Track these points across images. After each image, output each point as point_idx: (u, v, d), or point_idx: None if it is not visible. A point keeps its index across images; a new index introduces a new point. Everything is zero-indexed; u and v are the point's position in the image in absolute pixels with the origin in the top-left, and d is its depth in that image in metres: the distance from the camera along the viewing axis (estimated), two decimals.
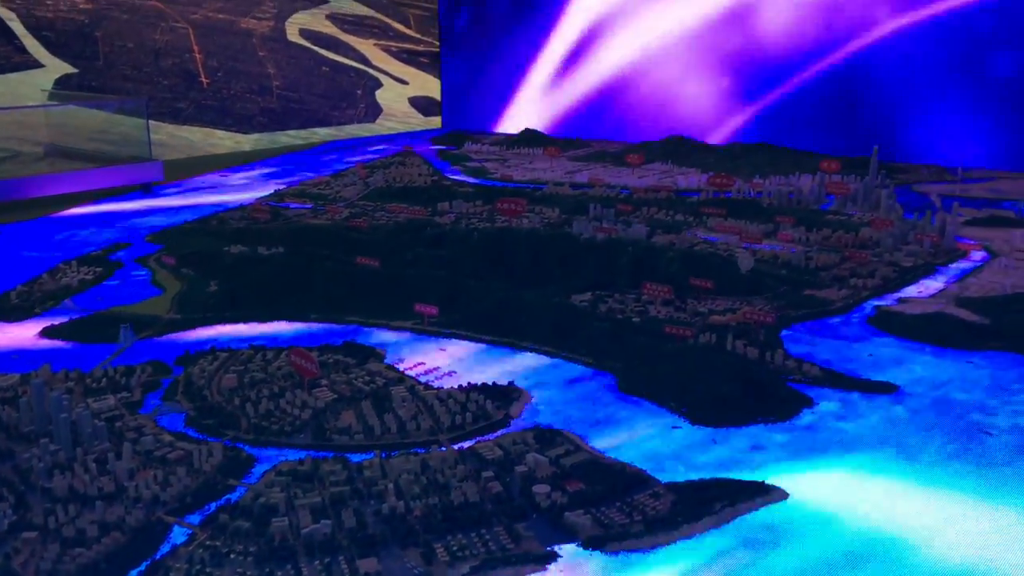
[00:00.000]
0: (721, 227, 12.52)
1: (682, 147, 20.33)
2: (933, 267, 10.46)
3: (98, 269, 10.72)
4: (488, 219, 13.20)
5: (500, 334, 8.45)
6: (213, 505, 5.42)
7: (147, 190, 16.03)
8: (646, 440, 6.26)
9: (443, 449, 6.11)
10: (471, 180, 17.39)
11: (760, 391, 6.94)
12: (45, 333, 8.55)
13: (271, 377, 7.29)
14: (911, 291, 9.65)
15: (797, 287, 9.81)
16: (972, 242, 11.47)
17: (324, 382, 7.17)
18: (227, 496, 5.52)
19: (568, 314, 8.74)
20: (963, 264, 10.66)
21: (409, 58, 25.88)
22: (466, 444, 6.19)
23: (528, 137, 22.79)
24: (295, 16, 23.38)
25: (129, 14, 19.81)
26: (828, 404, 6.82)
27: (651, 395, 7.01)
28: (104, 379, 7.30)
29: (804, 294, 9.56)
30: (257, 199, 15.22)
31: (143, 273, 10.65)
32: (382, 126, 25.27)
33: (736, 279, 9.91)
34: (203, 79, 20.99)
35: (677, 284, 9.52)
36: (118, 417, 6.62)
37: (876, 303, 9.21)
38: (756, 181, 15.96)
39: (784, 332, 8.41)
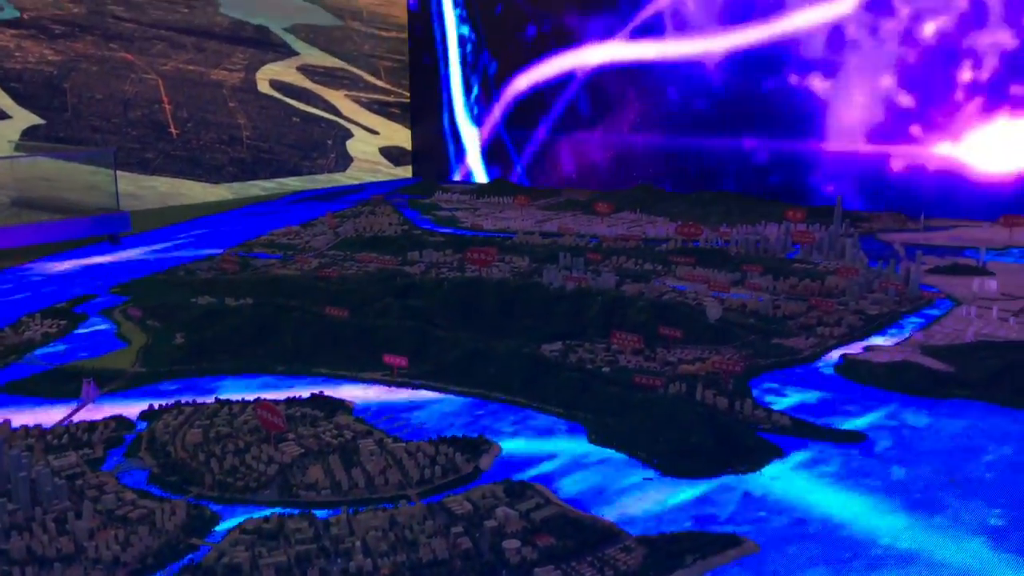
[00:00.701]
0: (689, 276, 12.62)
1: (650, 196, 20.55)
2: (899, 315, 10.59)
3: (62, 322, 10.56)
4: (458, 268, 13.23)
5: (470, 385, 8.42)
6: (176, 566, 5.29)
7: (114, 241, 15.91)
8: (617, 492, 6.22)
9: (412, 504, 6.03)
10: (441, 229, 17.43)
11: (730, 441, 6.94)
12: (6, 388, 8.39)
13: (237, 432, 7.18)
14: (878, 339, 9.75)
15: (765, 336, 9.88)
16: (936, 290, 11.63)
17: (291, 436, 7.08)
18: (190, 556, 5.40)
19: (538, 364, 8.72)
20: (928, 312, 10.79)
21: (380, 109, 26.05)
22: (435, 498, 6.12)
23: (498, 186, 22.94)
24: (265, 67, 23.50)
25: (98, 65, 19.81)
26: (797, 454, 6.83)
27: (622, 446, 6.99)
28: (65, 435, 7.16)
29: (772, 343, 9.63)
30: (226, 249, 15.15)
31: (108, 326, 10.52)
32: (353, 176, 25.33)
33: (705, 328, 9.97)
34: (172, 130, 20.97)
35: (647, 333, 9.56)
36: (79, 475, 6.48)
37: (843, 351, 9.28)
38: (723, 230, 16.14)
39: (753, 381, 8.44)
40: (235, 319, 10.07)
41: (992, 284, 11.62)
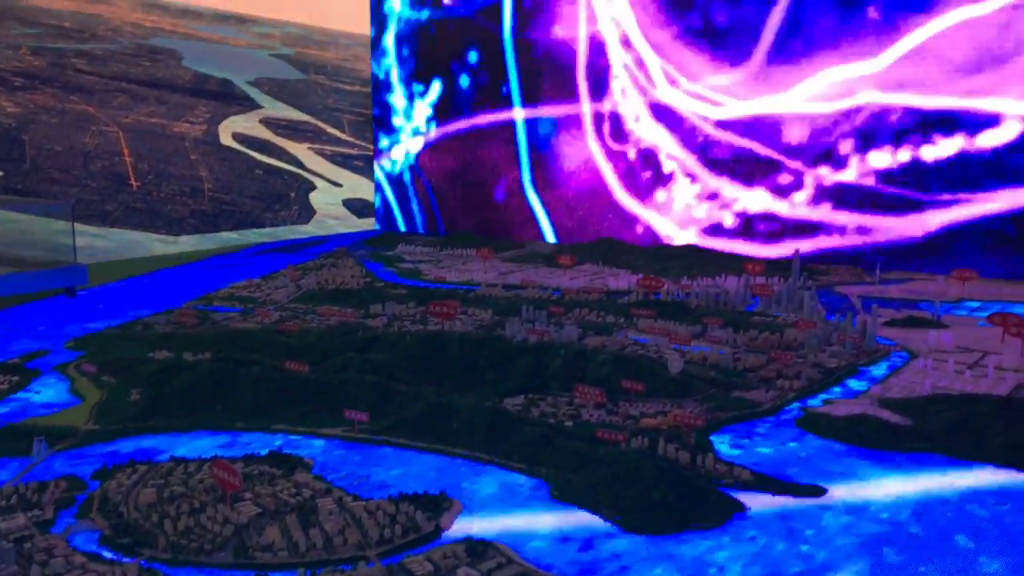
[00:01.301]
0: (651, 328, 12.69)
1: (612, 248, 20.71)
2: (856, 368, 10.71)
3: (14, 378, 10.34)
4: (421, 321, 13.20)
5: (432, 440, 8.34)
6: None
7: (70, 294, 15.66)
8: (580, 549, 6.17)
9: (371, 565, 5.92)
10: (404, 281, 17.40)
11: (692, 497, 6.93)
12: None
13: (192, 491, 7.03)
14: (836, 392, 9.85)
15: (726, 389, 9.93)
16: (892, 343, 11.80)
17: (247, 495, 6.95)
18: None
19: (501, 419, 8.67)
20: (885, 365, 10.93)
21: (344, 161, 26.17)
22: (395, 559, 6.02)
23: (462, 238, 23.00)
24: (228, 120, 23.57)
25: (58, 117, 19.74)
26: (758, 510, 6.83)
27: (584, 502, 6.94)
28: (15, 496, 6.96)
29: (733, 396, 9.68)
30: (185, 303, 14.98)
31: (62, 382, 10.30)
32: (316, 228, 25.30)
33: (666, 381, 10.00)
34: (133, 182, 20.87)
35: (609, 386, 9.56)
36: (28, 538, 6.29)
37: (803, 404, 9.35)
38: (684, 282, 16.30)
39: (714, 435, 8.46)
40: (193, 374, 9.92)
41: (947, 337, 11.81)
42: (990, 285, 15.18)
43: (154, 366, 10.44)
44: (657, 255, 19.76)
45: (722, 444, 8.24)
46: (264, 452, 8.00)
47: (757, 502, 6.95)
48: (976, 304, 14.29)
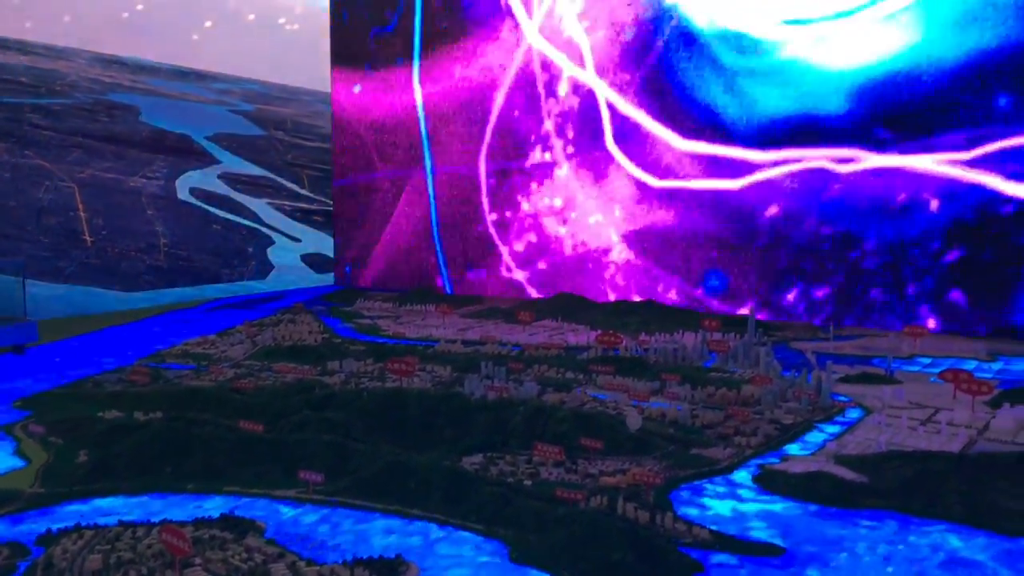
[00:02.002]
0: (610, 385, 12.69)
1: (571, 304, 20.81)
2: (812, 424, 10.79)
3: None
4: (379, 378, 13.09)
5: (388, 501, 8.21)
6: None
7: (19, 352, 15.32)
8: None
9: None
10: (363, 337, 17.30)
11: (652, 557, 6.88)
12: None
13: (140, 557, 6.83)
14: (793, 449, 9.90)
15: (684, 446, 9.94)
16: (847, 399, 11.93)
17: (197, 561, 6.76)
18: None
19: (459, 478, 8.58)
20: (840, 421, 11.03)
21: (303, 216, 26.11)
22: None
23: (421, 293, 22.97)
24: (186, 175, 23.46)
25: (12, 172, 19.49)
26: (718, 570, 6.80)
27: (544, 564, 6.86)
28: None
29: (691, 453, 9.68)
30: (137, 360, 14.72)
31: (8, 443, 10.02)
32: (273, 283, 25.11)
33: (625, 438, 9.98)
34: (87, 237, 20.59)
35: (568, 444, 9.52)
36: None
37: (760, 462, 9.38)
38: (643, 338, 16.39)
39: (673, 493, 8.44)
40: (143, 434, 9.69)
41: (900, 393, 11.97)
42: (941, 341, 15.45)
43: (103, 426, 10.20)
44: (616, 311, 19.89)
45: (681, 503, 8.22)
46: (215, 515, 7.81)
47: (717, 561, 6.92)
48: (928, 360, 14.53)
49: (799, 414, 11.15)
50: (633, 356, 14.83)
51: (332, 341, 16.64)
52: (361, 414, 10.73)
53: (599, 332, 16.01)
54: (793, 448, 9.89)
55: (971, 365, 13.56)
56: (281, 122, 24.95)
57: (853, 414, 11.27)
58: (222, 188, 23.31)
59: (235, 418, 10.20)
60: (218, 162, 23.44)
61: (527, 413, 10.58)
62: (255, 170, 24.43)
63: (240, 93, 25.45)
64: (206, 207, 22.69)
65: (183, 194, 22.22)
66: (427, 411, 10.84)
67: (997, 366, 14.16)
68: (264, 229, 24.21)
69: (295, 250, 25.21)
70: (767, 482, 8.73)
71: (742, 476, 8.99)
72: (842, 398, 11.95)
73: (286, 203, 25.05)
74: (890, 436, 10.05)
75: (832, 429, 10.60)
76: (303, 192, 25.41)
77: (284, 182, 24.98)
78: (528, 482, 8.67)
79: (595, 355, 14.85)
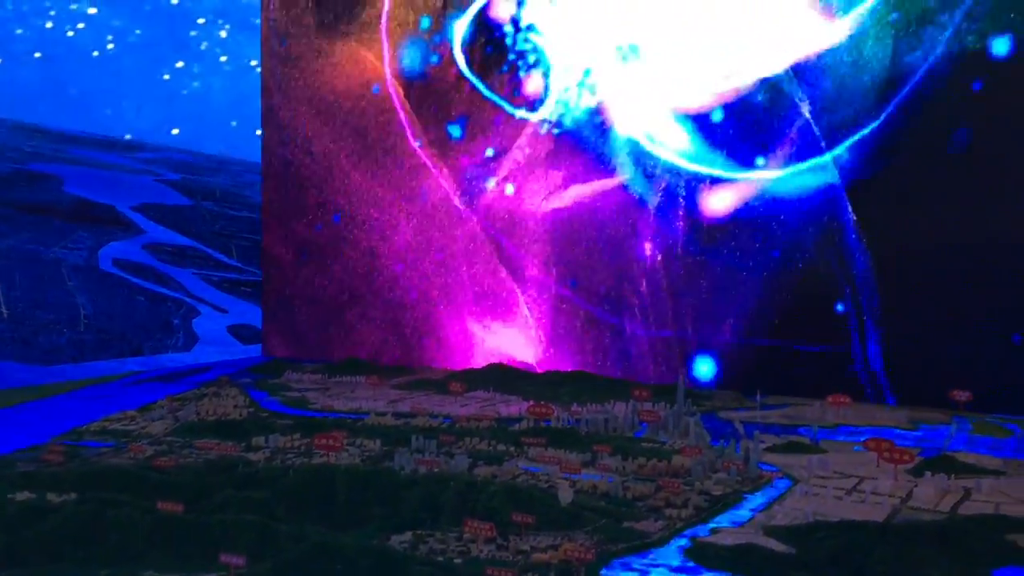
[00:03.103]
0: (542, 457, 12.65)
1: (504, 374, 20.75)
2: (741, 495, 10.87)
3: None
4: (306, 454, 12.81)
5: None
6: None
7: None
8: None
9: None
10: (290, 411, 16.94)
11: None
12: None
13: None
14: (723, 520, 9.95)
15: (616, 519, 9.90)
16: (774, 469, 12.07)
17: None
18: None
19: (387, 559, 8.40)
20: (768, 491, 11.14)
21: (230, 287, 25.70)
22: None
23: (351, 364, 22.65)
24: (110, 246, 22.98)
25: None
26: None
27: None
28: None
29: (623, 526, 9.65)
30: (51, 438, 14.14)
31: None
32: (199, 356, 24.53)
33: (557, 512, 9.92)
34: (3, 310, 19.94)
35: (499, 519, 9.41)
36: None
37: (691, 534, 9.39)
38: (575, 409, 16.39)
39: (605, 569, 8.37)
40: (56, 517, 9.28)
41: (826, 462, 12.16)
42: (863, 410, 15.79)
43: (12, 509, 9.74)
44: (548, 381, 19.89)
45: None
46: None
47: None
48: (851, 428, 14.83)
49: (728, 485, 11.23)
50: (565, 427, 14.83)
51: (258, 415, 16.27)
52: (286, 493, 10.48)
53: (531, 403, 15.99)
54: (723, 520, 9.94)
55: (893, 433, 13.88)
56: (210, 192, 24.74)
57: (780, 484, 11.40)
58: (147, 258, 22.91)
59: (154, 498, 9.82)
60: (143, 232, 23.08)
61: (458, 488, 10.47)
62: (182, 240, 24.08)
63: (168, 163, 25.29)
64: (129, 278, 22.25)
65: (106, 265, 21.77)
66: (355, 488, 10.65)
67: (918, 433, 14.53)
68: (190, 300, 23.78)
69: (222, 321, 24.78)
70: (698, 555, 8.73)
71: (673, 549, 8.97)
72: (770, 468, 12.08)
73: (213, 273, 24.70)
74: (816, 506, 10.18)
75: (760, 500, 10.69)
76: (231, 262, 25.10)
77: (211, 252, 24.67)
78: (459, 560, 8.52)
79: (527, 427, 14.81)
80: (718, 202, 18.84)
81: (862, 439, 12.95)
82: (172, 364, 23.55)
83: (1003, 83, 15.91)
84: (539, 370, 21.05)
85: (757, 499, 10.76)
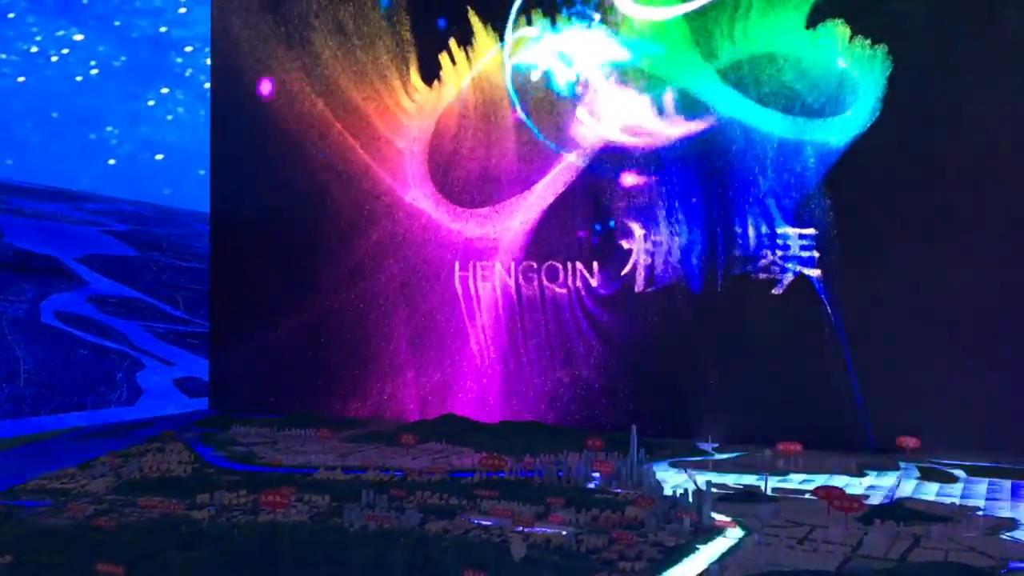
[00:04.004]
0: (495, 511, 12.51)
1: (457, 425, 20.58)
2: (694, 546, 10.83)
3: None
4: (252, 512, 12.49)
5: None
6: None
7: None
8: None
9: None
10: (237, 467, 16.57)
11: None
12: None
13: None
14: (676, 572, 9.89)
15: (570, 573, 9.78)
16: (727, 519, 12.06)
17: None
18: None
19: None
20: (720, 541, 11.12)
21: (176, 339, 25.25)
22: None
23: (301, 417, 22.30)
24: (52, 298, 22.48)
25: None
26: None
27: None
28: None
29: None
30: None
31: None
32: (143, 410, 23.99)
33: (510, 567, 9.78)
34: None
35: None
36: None
37: None
38: (528, 460, 16.27)
39: None
40: None
41: (777, 510, 12.20)
42: (813, 457, 15.91)
43: None
44: (502, 431, 19.76)
45: None
46: None
47: None
48: (802, 477, 14.92)
49: (681, 536, 11.18)
50: (518, 479, 14.71)
51: (203, 471, 15.88)
52: (231, 552, 10.20)
53: (484, 455, 15.86)
54: (677, 572, 9.88)
55: (842, 481, 13.99)
56: (156, 243, 24.41)
57: (734, 533, 11.38)
58: (90, 311, 22.44)
59: (93, 560, 9.51)
60: (87, 284, 22.64)
61: (408, 543, 10.31)
62: (127, 292, 23.65)
63: (114, 214, 24.96)
64: (72, 331, 21.75)
65: (47, 317, 21.27)
66: (302, 546, 10.44)
67: (867, 481, 14.67)
68: (134, 352, 23.29)
69: (167, 374, 24.29)
70: None
71: None
72: (723, 518, 12.07)
73: (159, 325, 24.26)
74: (769, 556, 10.17)
75: (714, 550, 10.66)
76: (178, 314, 24.70)
77: (158, 304, 24.26)
78: None
79: (479, 479, 14.65)
80: None
81: (812, 487, 13.01)
82: (115, 419, 22.97)
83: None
84: (492, 420, 20.93)
85: (710, 550, 10.72)
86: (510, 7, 20.51)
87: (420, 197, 22.07)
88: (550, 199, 20.54)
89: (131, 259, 24.03)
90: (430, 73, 21.52)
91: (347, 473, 15.51)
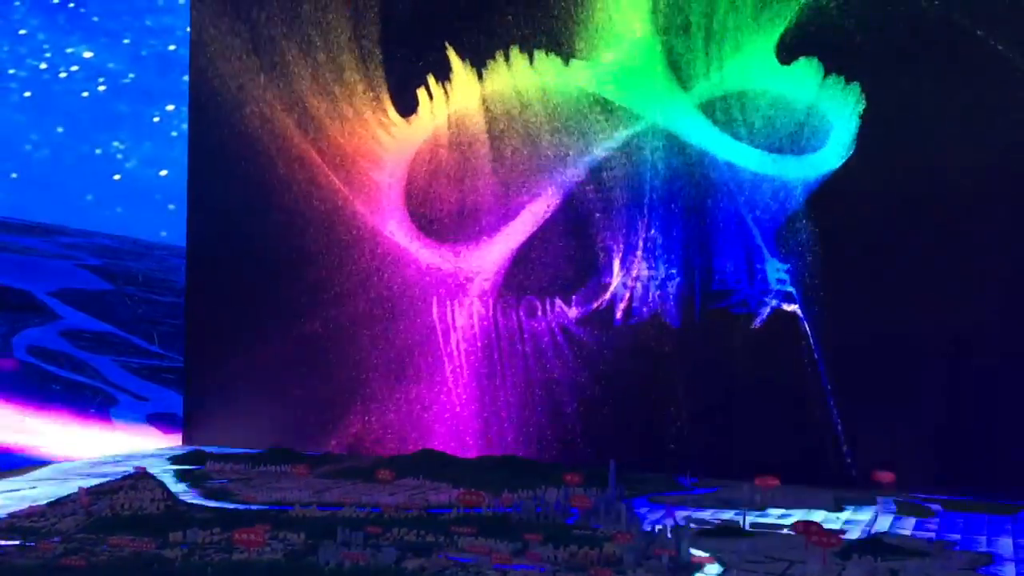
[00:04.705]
0: (472, 547, 12.40)
1: (434, 461, 20.41)
2: None
3: None
4: (226, 549, 12.30)
5: None
6: None
7: None
8: None
9: None
10: (210, 504, 16.35)
11: None
12: None
13: None
14: None
15: None
16: (706, 555, 12.00)
17: None
18: None
19: None
20: None
21: (151, 374, 24.98)
22: None
23: (276, 454, 22.04)
24: (25, 332, 22.22)
25: None
26: None
27: None
28: None
29: None
30: None
31: None
32: (115, 446, 23.64)
33: None
34: None
35: None
36: None
37: None
38: (506, 496, 16.16)
39: None
40: None
41: (756, 545, 12.16)
42: (790, 491, 15.89)
43: None
44: (479, 466, 19.63)
45: None
46: None
47: None
48: (780, 511, 14.90)
49: (660, 573, 11.11)
50: (496, 515, 14.60)
51: (176, 509, 15.64)
52: None
53: (461, 491, 15.73)
54: None
55: (819, 515, 13.98)
56: (132, 277, 24.25)
57: (712, 570, 11.33)
58: (63, 345, 22.19)
59: None
60: (60, 318, 22.42)
61: None
62: (101, 326, 23.43)
63: (89, 247, 24.82)
64: (44, 366, 21.47)
65: (19, 352, 20.99)
66: None
67: (845, 515, 14.66)
68: (108, 388, 23.02)
69: (141, 409, 23.99)
70: None
71: None
72: (701, 553, 12.01)
73: (133, 360, 24.02)
74: None
75: None
76: (153, 348, 24.47)
77: (132, 338, 24.04)
78: None
79: (457, 515, 14.53)
80: None
81: (791, 521, 12.99)
82: (87, 455, 22.59)
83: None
84: (470, 455, 20.79)
85: None
86: (488, 42, 20.68)
87: (397, 231, 22.06)
88: (527, 233, 20.60)
89: (105, 293, 23.86)
90: (407, 107, 21.61)
91: (322, 510, 15.35)
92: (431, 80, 21.35)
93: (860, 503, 15.52)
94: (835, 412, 17.22)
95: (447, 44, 21.06)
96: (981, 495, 15.68)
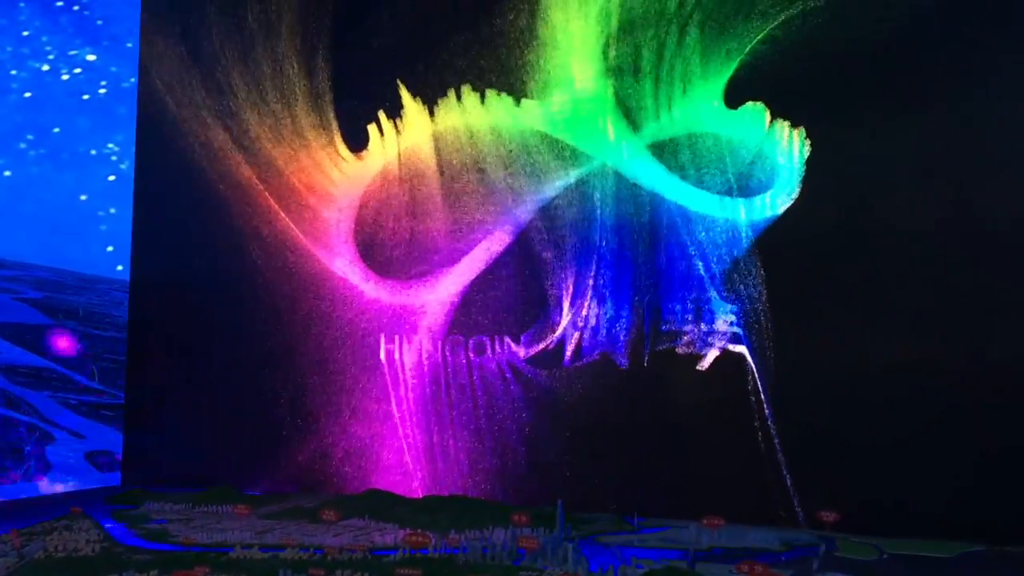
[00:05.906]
0: None
1: (381, 500, 20.13)
2: None
3: None
4: None
5: None
6: None
7: None
8: None
9: None
10: (149, 545, 15.90)
11: None
12: None
13: None
14: None
15: None
16: None
17: None
18: None
19: None
20: None
21: (89, 411, 24.34)
22: None
23: (219, 493, 21.56)
24: None
25: None
26: None
27: None
28: None
29: None
30: None
31: None
32: (50, 485, 22.93)
33: None
34: None
35: None
36: None
37: None
38: (452, 536, 15.96)
39: None
40: None
41: None
42: (736, 531, 15.94)
43: None
44: (426, 506, 19.39)
45: None
46: None
47: None
48: (723, 551, 14.92)
49: None
50: (442, 556, 14.40)
51: (112, 550, 15.18)
52: None
53: (407, 531, 15.50)
54: None
55: (766, 556, 14.02)
56: (73, 311, 23.72)
57: None
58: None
59: None
60: None
61: None
62: (38, 361, 22.82)
63: (29, 281, 24.19)
64: None
65: None
66: None
67: (790, 555, 14.73)
68: (44, 424, 22.36)
69: (79, 447, 23.32)
70: None
71: None
72: None
73: (71, 396, 23.39)
74: None
75: None
76: (92, 384, 23.87)
77: (71, 374, 23.44)
78: None
79: (402, 557, 14.30)
80: None
81: (736, 562, 12.99)
82: (21, 494, 21.90)
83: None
84: (417, 495, 20.55)
85: None
86: (440, 80, 20.82)
87: (346, 267, 21.93)
88: (477, 271, 20.61)
89: (44, 327, 23.30)
90: (358, 143, 21.62)
91: (264, 552, 15.02)
92: (382, 116, 21.41)
93: (805, 543, 15.61)
94: (781, 452, 17.37)
95: (399, 81, 21.17)
96: (926, 535, 15.86)
